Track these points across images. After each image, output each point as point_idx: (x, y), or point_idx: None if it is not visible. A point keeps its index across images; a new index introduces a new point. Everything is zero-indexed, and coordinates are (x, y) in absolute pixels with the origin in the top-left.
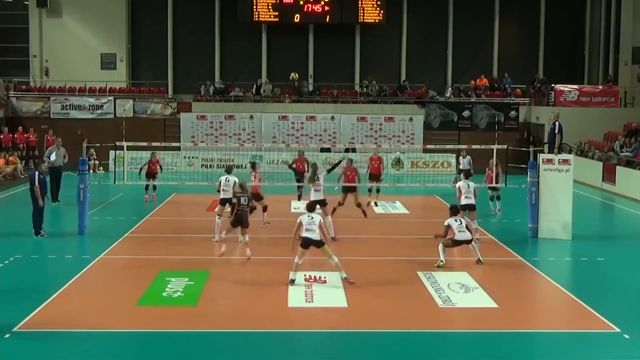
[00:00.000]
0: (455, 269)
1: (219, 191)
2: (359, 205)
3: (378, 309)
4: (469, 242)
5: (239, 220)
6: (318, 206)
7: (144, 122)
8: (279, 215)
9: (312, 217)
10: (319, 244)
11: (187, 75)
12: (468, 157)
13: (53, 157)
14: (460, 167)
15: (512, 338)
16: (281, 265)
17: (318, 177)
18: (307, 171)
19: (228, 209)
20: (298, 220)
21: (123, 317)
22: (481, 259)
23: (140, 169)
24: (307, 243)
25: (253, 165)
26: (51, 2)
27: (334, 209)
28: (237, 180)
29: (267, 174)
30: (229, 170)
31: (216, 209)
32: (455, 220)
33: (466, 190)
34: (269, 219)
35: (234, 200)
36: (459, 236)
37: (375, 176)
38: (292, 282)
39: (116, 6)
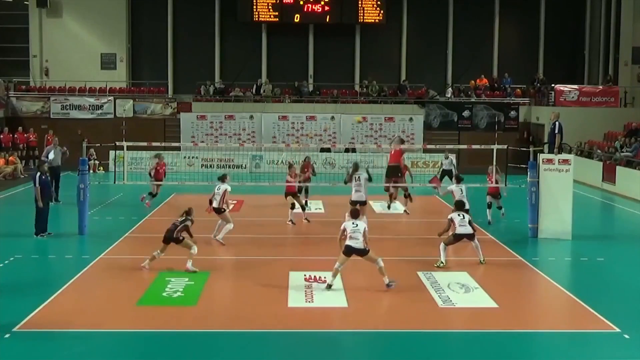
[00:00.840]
0: (455, 269)
1: (210, 201)
2: (406, 192)
3: (378, 309)
4: (470, 237)
5: (166, 236)
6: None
7: (144, 122)
8: (280, 216)
9: (357, 225)
10: (362, 252)
11: (187, 75)
12: (450, 157)
13: (51, 155)
14: (444, 167)
15: (512, 338)
16: (281, 266)
17: (359, 177)
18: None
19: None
20: (342, 227)
21: (123, 317)
22: (482, 260)
23: (150, 172)
24: (349, 251)
25: (290, 166)
26: (51, 2)
27: (405, 211)
28: (227, 189)
29: (267, 174)
30: (222, 179)
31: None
32: (458, 214)
33: (459, 195)
34: (269, 219)
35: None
36: (459, 230)
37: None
38: (329, 287)
39: (116, 6)
